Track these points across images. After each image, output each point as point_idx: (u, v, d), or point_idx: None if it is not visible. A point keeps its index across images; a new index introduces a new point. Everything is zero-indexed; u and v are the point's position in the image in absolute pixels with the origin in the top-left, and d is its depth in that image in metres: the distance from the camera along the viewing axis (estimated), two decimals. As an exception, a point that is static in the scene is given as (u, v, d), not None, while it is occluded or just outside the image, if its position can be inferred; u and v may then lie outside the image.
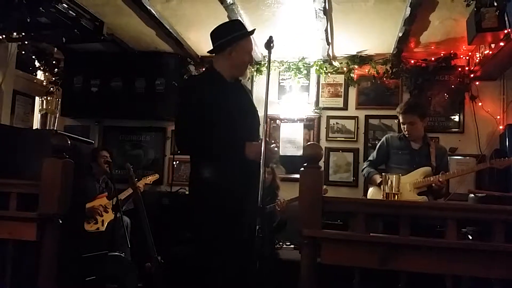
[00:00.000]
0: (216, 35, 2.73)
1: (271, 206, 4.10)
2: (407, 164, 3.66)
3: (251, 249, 2.19)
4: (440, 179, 3.46)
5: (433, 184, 3.49)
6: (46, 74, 5.84)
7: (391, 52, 5.07)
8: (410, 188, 3.51)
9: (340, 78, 5.40)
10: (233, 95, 2.66)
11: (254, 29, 2.83)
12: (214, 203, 2.51)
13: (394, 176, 3.14)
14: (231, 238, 2.48)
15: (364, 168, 3.96)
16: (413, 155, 3.70)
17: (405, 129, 3.71)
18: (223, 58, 2.71)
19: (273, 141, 2.90)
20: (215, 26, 2.77)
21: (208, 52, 2.82)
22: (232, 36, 2.66)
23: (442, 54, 5.02)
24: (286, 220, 4.18)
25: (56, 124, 5.24)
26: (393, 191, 3.11)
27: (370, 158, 3.99)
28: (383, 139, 3.93)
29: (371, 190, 3.87)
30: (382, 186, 3.62)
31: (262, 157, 2.26)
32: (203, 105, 2.56)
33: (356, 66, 5.30)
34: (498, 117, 4.89)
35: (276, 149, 2.70)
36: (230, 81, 2.73)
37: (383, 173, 3.41)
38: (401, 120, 3.74)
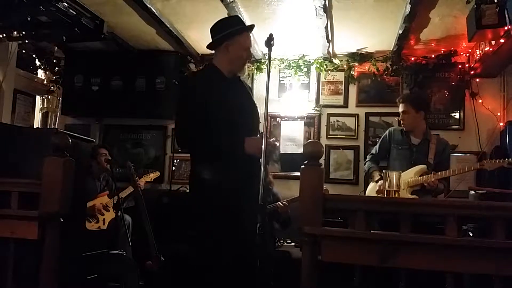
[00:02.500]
0: (214, 30, 2.75)
1: (273, 206, 4.11)
2: (405, 159, 3.66)
3: (252, 247, 2.20)
4: (433, 179, 3.46)
5: (426, 184, 3.49)
6: (47, 73, 5.85)
7: (391, 49, 5.07)
8: (404, 186, 3.50)
9: (341, 76, 5.40)
10: (232, 92, 2.67)
11: (252, 25, 2.83)
12: (214, 201, 2.51)
13: (395, 173, 3.14)
14: (232, 236, 2.48)
15: (365, 162, 3.98)
16: (411, 150, 3.70)
17: (400, 119, 3.76)
18: (221, 53, 2.72)
19: (273, 138, 2.90)
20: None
21: (206, 47, 2.83)
22: (229, 30, 2.68)
23: (442, 51, 5.02)
24: (289, 216, 4.19)
25: (57, 123, 5.24)
26: (393, 188, 3.11)
27: (373, 151, 4.00)
28: (386, 132, 3.94)
29: (370, 186, 3.88)
30: (378, 183, 3.65)
31: (263, 152, 2.26)
32: (202, 102, 2.57)
33: (356, 64, 5.30)
34: (498, 114, 4.89)
35: (276, 143, 2.70)
36: (229, 77, 2.73)
37: (383, 170, 3.42)
38: (398, 110, 3.79)
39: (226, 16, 4.22)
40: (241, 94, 2.75)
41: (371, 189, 3.82)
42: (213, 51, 2.84)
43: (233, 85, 2.73)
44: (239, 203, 2.50)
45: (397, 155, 3.75)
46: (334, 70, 5.39)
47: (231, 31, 2.68)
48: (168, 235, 4.71)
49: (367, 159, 3.99)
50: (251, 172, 2.40)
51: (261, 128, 2.78)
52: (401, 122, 3.76)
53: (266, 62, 3.52)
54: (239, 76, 2.88)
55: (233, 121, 2.56)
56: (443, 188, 3.65)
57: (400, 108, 3.73)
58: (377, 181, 3.71)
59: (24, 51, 5.38)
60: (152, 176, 5.05)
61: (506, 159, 3.41)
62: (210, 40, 2.78)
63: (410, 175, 3.56)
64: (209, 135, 2.56)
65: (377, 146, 3.98)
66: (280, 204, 4.15)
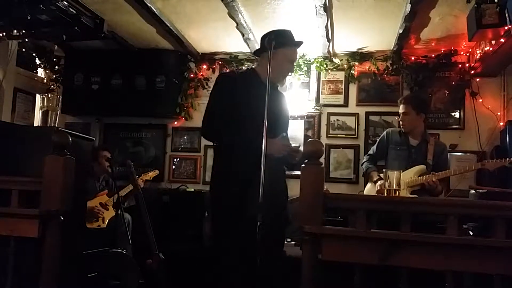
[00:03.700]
0: (266, 37, 2.76)
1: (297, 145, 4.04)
2: (403, 160, 3.66)
3: (261, 245, 2.21)
4: (433, 179, 3.46)
5: (426, 184, 3.49)
6: (47, 71, 5.85)
7: (392, 48, 5.07)
8: (404, 186, 3.48)
9: (341, 75, 5.40)
10: (263, 97, 2.58)
11: (301, 42, 2.89)
12: (226, 196, 2.61)
13: (395, 173, 3.13)
14: (242, 233, 2.50)
15: (363, 163, 3.96)
16: (410, 151, 3.69)
17: (400, 120, 3.75)
18: (265, 60, 2.73)
19: (299, 143, 2.94)
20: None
21: (254, 52, 2.89)
22: (280, 40, 2.72)
23: (442, 51, 5.02)
24: (288, 216, 4.17)
25: (57, 121, 5.22)
26: (394, 187, 3.10)
27: (370, 152, 3.99)
28: (384, 133, 3.93)
29: (368, 186, 3.88)
30: (377, 184, 3.65)
31: (263, 151, 2.28)
32: (231, 101, 2.66)
33: (356, 63, 5.30)
34: (499, 113, 4.89)
35: (300, 148, 2.74)
36: (265, 83, 2.73)
37: (383, 170, 3.40)
38: (398, 110, 3.78)
39: (226, 15, 4.27)
40: (273, 101, 2.70)
41: (369, 189, 3.82)
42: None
43: (266, 91, 2.68)
44: (246, 198, 2.51)
45: (395, 155, 3.74)
46: (334, 69, 5.39)
47: (283, 41, 2.76)
48: (168, 233, 4.72)
49: (364, 160, 3.99)
50: (267, 172, 2.41)
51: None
52: (401, 122, 3.74)
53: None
54: (277, 86, 2.96)
55: (255, 124, 2.53)
56: (441, 189, 3.65)
57: (401, 109, 3.72)
58: (375, 182, 3.71)
59: (24, 49, 5.38)
60: (151, 174, 5.05)
61: (508, 159, 3.41)
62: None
63: (409, 175, 3.55)
64: (230, 133, 2.65)
65: (374, 146, 3.97)
66: None
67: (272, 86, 2.80)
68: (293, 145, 2.73)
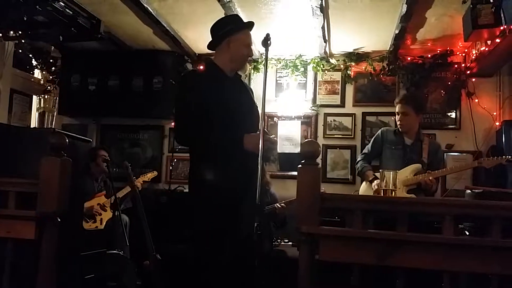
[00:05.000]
0: (214, 29, 2.76)
1: (270, 207, 4.11)
2: (399, 159, 3.65)
3: (250, 247, 2.21)
4: (430, 178, 3.47)
5: (423, 182, 3.49)
6: (44, 72, 5.84)
7: (388, 49, 5.08)
8: (400, 185, 3.48)
9: (337, 75, 5.41)
10: (232, 91, 2.66)
11: (251, 22, 2.80)
12: (213, 200, 2.51)
13: (391, 172, 3.13)
14: (230, 236, 2.49)
15: (358, 162, 3.95)
16: (405, 150, 3.69)
17: (397, 120, 3.72)
18: (222, 51, 2.73)
19: (272, 135, 2.89)
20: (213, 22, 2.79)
21: (207, 46, 2.84)
22: (228, 28, 2.69)
23: (438, 51, 5.03)
24: (285, 216, 4.19)
25: (53, 122, 5.24)
26: (390, 187, 3.11)
27: (365, 151, 3.98)
28: (379, 132, 3.92)
29: (363, 186, 3.88)
30: (373, 184, 3.65)
31: (260, 149, 2.27)
32: (202, 100, 2.57)
33: (353, 63, 5.31)
34: (495, 113, 4.91)
35: (275, 139, 2.70)
36: (230, 75, 2.74)
37: (380, 169, 3.40)
38: (396, 110, 3.75)
39: (223, 15, 4.23)
40: (241, 93, 2.75)
41: (365, 189, 3.82)
42: (211, 51, 2.84)
43: (233, 84, 2.73)
44: (237, 202, 2.50)
45: (391, 155, 3.74)
46: (331, 69, 5.40)
47: (231, 27, 2.70)
48: (166, 234, 4.71)
49: (359, 159, 3.98)
50: (249, 170, 2.41)
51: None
52: (399, 123, 3.72)
53: (263, 62, 3.54)
54: (240, 75, 2.89)
55: (232, 120, 2.56)
56: (436, 188, 3.66)
57: (400, 109, 3.69)
58: (371, 181, 3.71)
59: (20, 50, 5.37)
60: (150, 175, 5.04)
61: (505, 156, 3.42)
62: (208, 40, 2.79)
63: (405, 174, 3.56)
64: (207, 133, 2.56)
65: (369, 145, 3.96)
66: (278, 206, 4.15)
67: (235, 77, 2.79)
68: (270, 136, 2.67)
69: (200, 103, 2.56)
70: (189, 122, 2.60)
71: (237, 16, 2.89)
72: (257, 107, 2.82)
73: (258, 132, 2.43)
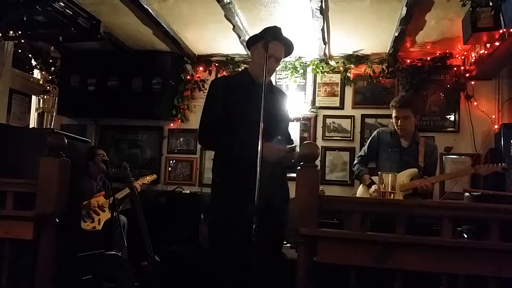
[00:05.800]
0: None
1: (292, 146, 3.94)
2: (395, 162, 3.64)
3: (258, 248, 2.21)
4: (427, 184, 3.46)
5: (419, 187, 3.48)
6: (43, 72, 5.83)
7: (387, 51, 5.09)
8: (396, 190, 3.47)
9: (337, 78, 5.41)
10: (255, 96, 2.55)
11: (272, 33, 2.77)
12: (223, 202, 2.62)
13: (390, 175, 3.13)
14: (239, 237, 2.50)
15: (355, 164, 3.94)
16: (401, 153, 3.68)
17: (398, 124, 3.66)
18: (252, 58, 2.90)
19: (295, 144, 2.90)
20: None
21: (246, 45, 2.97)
22: (257, 36, 2.77)
23: (437, 54, 5.04)
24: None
25: (53, 123, 5.21)
26: (389, 190, 3.11)
27: (362, 153, 3.96)
28: (375, 133, 3.90)
29: (360, 189, 3.87)
30: (370, 190, 3.64)
31: (259, 154, 2.28)
32: (225, 103, 2.66)
33: (352, 66, 5.32)
34: (493, 116, 4.91)
35: (296, 148, 2.70)
36: (258, 81, 2.74)
37: (378, 172, 3.39)
38: (394, 114, 3.68)
39: (223, 17, 4.28)
40: (266, 99, 2.67)
41: (362, 193, 3.81)
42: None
43: (259, 90, 2.56)
44: (246, 205, 2.50)
45: (387, 157, 3.72)
46: (330, 71, 5.40)
47: (252, 38, 2.81)
48: (164, 236, 4.71)
49: (356, 161, 3.96)
50: (264, 175, 2.40)
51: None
52: (400, 127, 3.66)
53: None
54: (271, 82, 2.93)
55: (248, 124, 2.53)
56: (432, 189, 3.67)
57: (401, 114, 3.63)
58: (368, 185, 3.69)
59: (20, 50, 5.35)
60: (149, 178, 5.03)
61: (501, 164, 3.42)
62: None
63: (402, 178, 3.52)
64: (225, 137, 2.64)
65: (365, 148, 3.94)
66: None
67: (266, 83, 2.75)
68: (288, 146, 2.67)
69: (222, 105, 2.66)
70: (209, 127, 2.71)
71: (272, 27, 2.88)
72: (284, 114, 3.01)
73: (276, 141, 2.57)
